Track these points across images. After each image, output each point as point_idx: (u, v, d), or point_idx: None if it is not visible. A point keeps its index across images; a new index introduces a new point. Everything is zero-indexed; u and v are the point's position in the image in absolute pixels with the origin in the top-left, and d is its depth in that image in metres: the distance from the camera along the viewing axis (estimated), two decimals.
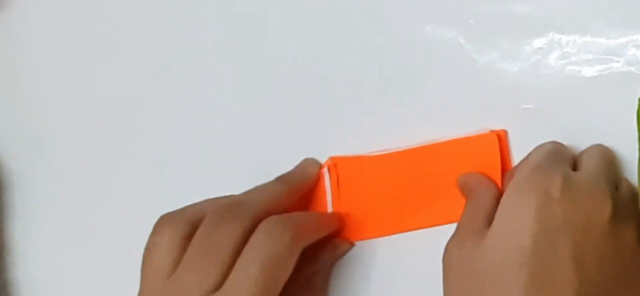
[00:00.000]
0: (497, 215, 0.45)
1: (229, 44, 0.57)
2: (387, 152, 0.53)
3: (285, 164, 0.54)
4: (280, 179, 0.53)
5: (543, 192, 0.44)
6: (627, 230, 0.45)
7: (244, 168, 0.56)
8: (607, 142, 0.49)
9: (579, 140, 0.50)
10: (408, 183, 0.53)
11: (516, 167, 0.50)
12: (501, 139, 0.51)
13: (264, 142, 0.56)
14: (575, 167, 0.48)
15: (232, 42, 0.57)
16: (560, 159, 0.47)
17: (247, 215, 0.48)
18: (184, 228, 0.49)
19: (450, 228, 0.49)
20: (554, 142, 0.49)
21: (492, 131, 0.51)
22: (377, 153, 0.53)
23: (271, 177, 0.54)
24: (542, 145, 0.49)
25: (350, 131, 0.54)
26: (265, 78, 0.57)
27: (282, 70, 0.56)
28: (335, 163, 0.54)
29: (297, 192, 0.53)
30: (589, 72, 0.50)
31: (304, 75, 0.56)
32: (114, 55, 0.60)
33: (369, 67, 0.54)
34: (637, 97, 0.47)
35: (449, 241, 0.48)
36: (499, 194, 0.48)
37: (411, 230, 0.53)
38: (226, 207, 0.49)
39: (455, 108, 0.52)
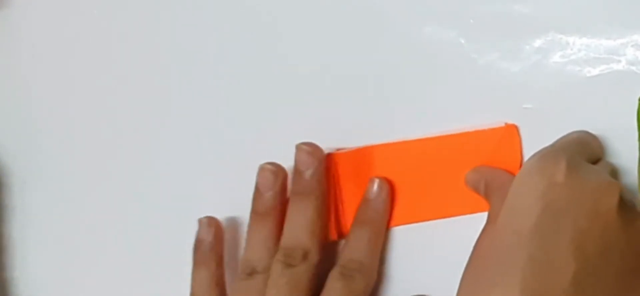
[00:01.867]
0: (507, 197, 0.46)
1: (229, 43, 0.57)
2: (398, 141, 0.53)
3: (287, 164, 0.54)
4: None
5: (548, 176, 0.44)
6: (638, 223, 0.45)
7: (245, 167, 0.56)
8: (607, 142, 0.50)
9: None
10: (420, 173, 0.53)
11: None
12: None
13: (265, 141, 0.56)
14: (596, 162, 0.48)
15: (233, 41, 0.57)
16: (576, 147, 0.47)
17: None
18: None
19: (463, 219, 0.50)
20: (581, 132, 0.49)
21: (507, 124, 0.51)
22: (386, 143, 0.53)
23: None
24: (569, 133, 0.49)
25: (350, 130, 0.54)
26: (266, 79, 0.56)
27: (282, 70, 0.56)
28: (336, 160, 0.54)
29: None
30: (589, 72, 0.50)
31: (303, 75, 0.56)
32: (114, 55, 0.60)
33: (369, 67, 0.54)
34: (637, 97, 0.47)
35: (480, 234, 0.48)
36: None
37: (424, 221, 0.53)
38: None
39: (455, 108, 0.52)
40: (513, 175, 0.50)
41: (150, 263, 0.59)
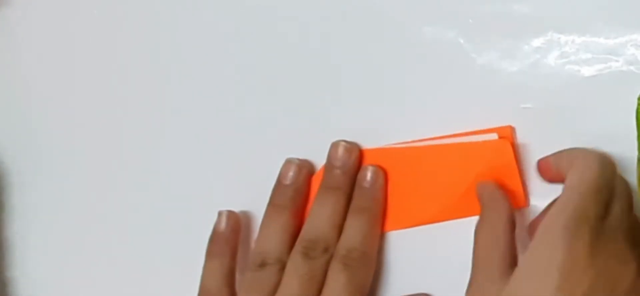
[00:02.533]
0: (524, 262, 0.44)
1: (229, 43, 0.57)
2: (393, 145, 0.53)
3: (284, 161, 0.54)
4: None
5: (569, 250, 0.42)
6: None
7: (246, 167, 0.56)
8: (607, 142, 0.49)
9: (578, 140, 0.49)
10: (414, 180, 0.53)
11: (548, 210, 0.48)
12: (510, 139, 0.51)
13: (264, 142, 0.56)
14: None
15: (233, 41, 0.57)
16: (595, 200, 0.44)
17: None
18: None
19: (463, 220, 0.50)
20: (598, 176, 0.45)
21: (502, 132, 0.51)
22: (384, 147, 0.53)
23: (273, 178, 0.54)
24: (582, 174, 0.45)
25: (350, 130, 0.54)
26: (266, 79, 0.57)
27: (282, 71, 0.56)
28: None
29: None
30: (588, 71, 0.50)
31: (302, 75, 0.56)
32: (114, 54, 0.60)
33: (369, 67, 0.54)
34: (637, 97, 0.47)
35: (469, 284, 0.47)
36: (512, 218, 0.48)
37: (419, 225, 0.53)
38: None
39: (454, 107, 0.52)
40: (513, 189, 0.50)
41: (150, 263, 0.59)
